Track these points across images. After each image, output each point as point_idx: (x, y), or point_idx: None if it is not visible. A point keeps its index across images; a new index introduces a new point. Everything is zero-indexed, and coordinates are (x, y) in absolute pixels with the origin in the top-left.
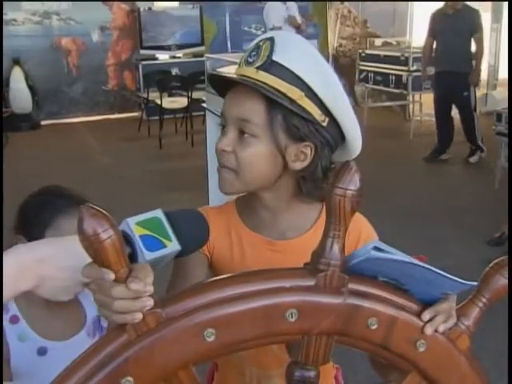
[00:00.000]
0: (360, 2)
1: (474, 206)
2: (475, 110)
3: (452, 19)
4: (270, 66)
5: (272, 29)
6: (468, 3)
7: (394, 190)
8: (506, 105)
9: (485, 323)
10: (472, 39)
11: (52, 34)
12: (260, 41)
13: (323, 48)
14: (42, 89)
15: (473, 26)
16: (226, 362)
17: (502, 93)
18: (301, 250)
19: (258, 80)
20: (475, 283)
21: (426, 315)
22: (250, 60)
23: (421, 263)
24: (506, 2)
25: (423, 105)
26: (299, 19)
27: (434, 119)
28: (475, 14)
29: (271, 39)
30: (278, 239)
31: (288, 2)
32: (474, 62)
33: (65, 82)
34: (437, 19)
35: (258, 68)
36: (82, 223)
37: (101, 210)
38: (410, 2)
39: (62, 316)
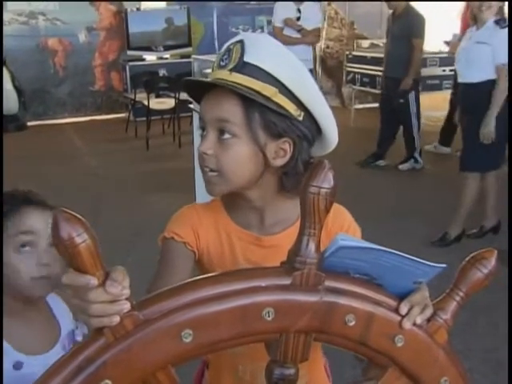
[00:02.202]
0: (347, 3)
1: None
2: (418, 118)
3: (395, 22)
4: (243, 67)
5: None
6: (412, 3)
7: (382, 190)
8: None
9: (469, 323)
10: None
11: (38, 35)
12: (230, 44)
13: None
14: (28, 90)
15: (412, 31)
16: (218, 360)
17: None
18: (288, 244)
19: (231, 81)
20: (444, 265)
21: (404, 308)
22: (223, 63)
23: (389, 249)
24: None
25: None
26: (313, 22)
27: (421, 120)
28: (415, 17)
29: (241, 41)
30: (266, 235)
31: (305, 3)
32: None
33: (51, 82)
34: (388, 23)
35: (231, 70)
36: (57, 228)
37: (74, 214)
38: None
39: (37, 329)
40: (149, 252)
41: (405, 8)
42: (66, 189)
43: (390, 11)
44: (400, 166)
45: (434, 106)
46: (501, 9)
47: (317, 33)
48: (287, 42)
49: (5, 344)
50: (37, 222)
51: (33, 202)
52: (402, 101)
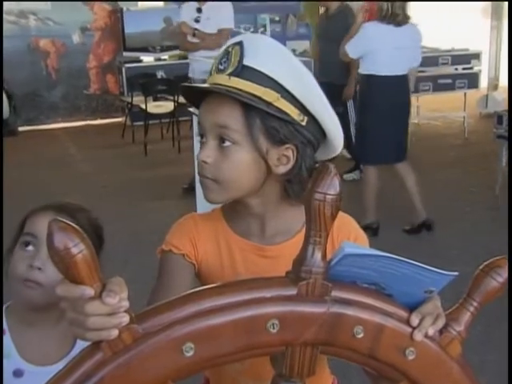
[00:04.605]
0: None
1: (475, 211)
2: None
3: (328, 23)
4: (242, 71)
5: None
6: (349, 3)
7: (390, 195)
8: (507, 106)
9: (485, 335)
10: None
11: (29, 35)
12: (229, 46)
13: (314, 49)
14: (19, 93)
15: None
16: (219, 377)
17: (503, 94)
18: (291, 254)
19: (231, 86)
20: (456, 273)
21: (415, 320)
22: (221, 67)
23: (397, 256)
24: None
25: (420, 107)
26: (217, 23)
27: (432, 122)
28: (351, 16)
29: (240, 43)
30: (268, 244)
31: (208, 3)
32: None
33: (43, 85)
34: (319, 22)
35: (230, 74)
36: (52, 238)
37: (70, 223)
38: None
39: (50, 340)
40: (147, 263)
41: (339, 7)
42: (58, 197)
43: (322, 9)
44: (344, 176)
45: (449, 107)
46: (381, 9)
47: (222, 35)
48: (188, 48)
49: (12, 348)
50: (42, 226)
51: (49, 208)
52: (340, 110)
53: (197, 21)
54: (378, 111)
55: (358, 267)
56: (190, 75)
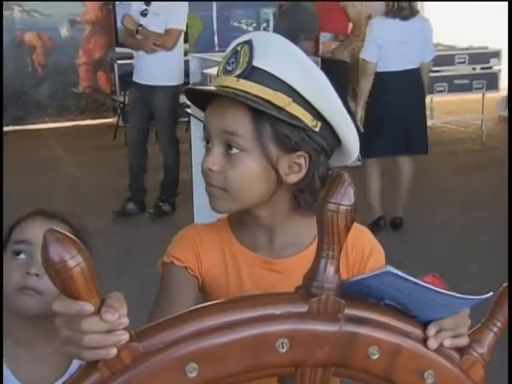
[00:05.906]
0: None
1: (494, 221)
2: None
3: (282, 18)
4: (252, 73)
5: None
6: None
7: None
8: None
9: (505, 360)
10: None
11: (13, 28)
12: (237, 45)
13: None
14: (3, 91)
15: (300, 30)
16: None
17: None
18: (302, 268)
19: (239, 90)
20: (491, 294)
21: (432, 329)
22: (229, 68)
23: (437, 289)
24: None
25: (435, 109)
26: (164, 22)
27: (447, 125)
28: (304, 14)
29: (249, 42)
30: (276, 258)
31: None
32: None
33: (29, 83)
34: (275, 16)
35: (239, 76)
36: (47, 250)
37: (67, 234)
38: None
39: (45, 358)
40: (141, 277)
41: (290, 3)
42: (45, 203)
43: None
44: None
45: (465, 110)
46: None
47: (169, 36)
48: (131, 45)
49: (7, 371)
50: (35, 232)
51: (40, 214)
52: None
53: (143, 14)
54: (388, 107)
55: (390, 286)
56: (134, 79)
